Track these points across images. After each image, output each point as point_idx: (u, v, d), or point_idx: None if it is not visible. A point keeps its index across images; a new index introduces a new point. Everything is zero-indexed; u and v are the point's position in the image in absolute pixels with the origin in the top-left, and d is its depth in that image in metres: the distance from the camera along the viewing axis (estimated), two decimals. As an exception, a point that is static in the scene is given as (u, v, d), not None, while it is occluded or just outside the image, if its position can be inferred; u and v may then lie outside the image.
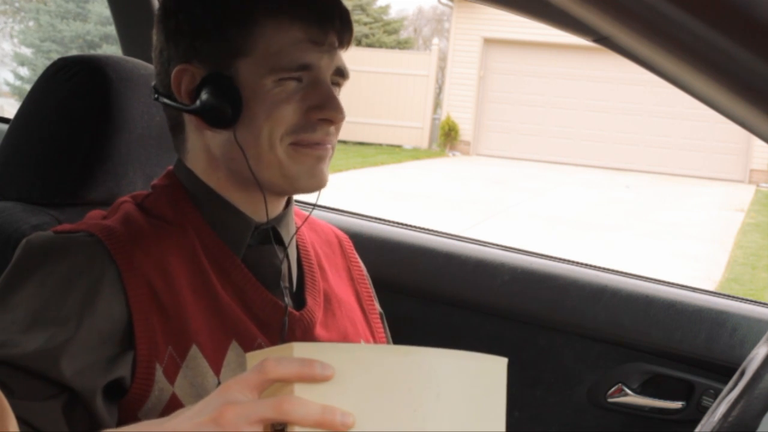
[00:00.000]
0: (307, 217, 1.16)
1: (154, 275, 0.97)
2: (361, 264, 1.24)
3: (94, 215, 1.05)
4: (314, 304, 1.08)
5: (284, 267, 1.07)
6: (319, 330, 1.07)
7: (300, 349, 0.69)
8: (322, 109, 0.99)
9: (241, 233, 1.04)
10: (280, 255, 1.07)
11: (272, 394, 0.70)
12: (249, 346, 1.00)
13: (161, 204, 1.04)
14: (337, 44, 1.01)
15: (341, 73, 1.03)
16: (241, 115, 0.98)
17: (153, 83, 1.07)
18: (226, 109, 0.98)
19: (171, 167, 1.09)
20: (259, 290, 1.03)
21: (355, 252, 1.24)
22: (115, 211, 1.04)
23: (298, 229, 1.12)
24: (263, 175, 1.00)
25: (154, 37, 1.05)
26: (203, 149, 1.03)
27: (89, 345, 0.91)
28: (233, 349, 0.99)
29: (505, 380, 0.75)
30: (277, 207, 1.07)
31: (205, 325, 0.98)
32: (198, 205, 1.04)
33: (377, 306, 1.23)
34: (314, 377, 0.68)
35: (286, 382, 0.69)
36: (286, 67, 0.97)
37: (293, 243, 1.10)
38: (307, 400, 0.67)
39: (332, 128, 1.02)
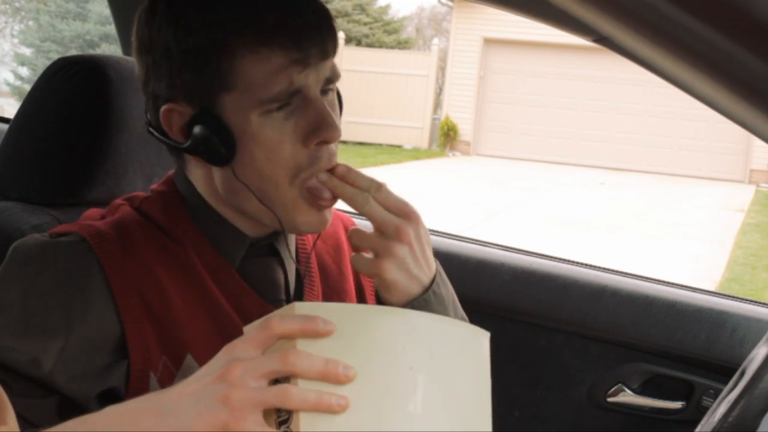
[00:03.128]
0: (316, 240, 1.12)
1: (145, 283, 0.94)
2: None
3: (91, 214, 1.03)
4: None
5: (281, 278, 1.05)
6: None
7: (301, 309, 0.74)
8: (317, 132, 0.93)
9: (236, 247, 1.01)
10: (278, 268, 1.05)
11: (275, 351, 0.73)
12: None
13: (157, 211, 1.01)
14: (322, 57, 0.93)
15: (331, 80, 0.96)
16: (237, 152, 0.93)
17: (147, 113, 1.01)
18: (219, 148, 0.92)
19: (172, 172, 1.07)
20: (255, 300, 1.01)
21: None
22: (113, 212, 1.02)
23: (310, 252, 1.10)
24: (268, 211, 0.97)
25: (136, 67, 0.99)
26: (204, 177, 1.00)
27: (80, 353, 0.90)
28: None
29: (488, 350, 0.82)
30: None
31: (200, 334, 0.96)
32: (193, 216, 1.01)
33: None
34: (317, 332, 0.71)
35: (289, 338, 0.72)
36: (275, 98, 0.91)
37: (292, 252, 1.07)
38: (310, 353, 0.71)
39: (332, 146, 0.96)
